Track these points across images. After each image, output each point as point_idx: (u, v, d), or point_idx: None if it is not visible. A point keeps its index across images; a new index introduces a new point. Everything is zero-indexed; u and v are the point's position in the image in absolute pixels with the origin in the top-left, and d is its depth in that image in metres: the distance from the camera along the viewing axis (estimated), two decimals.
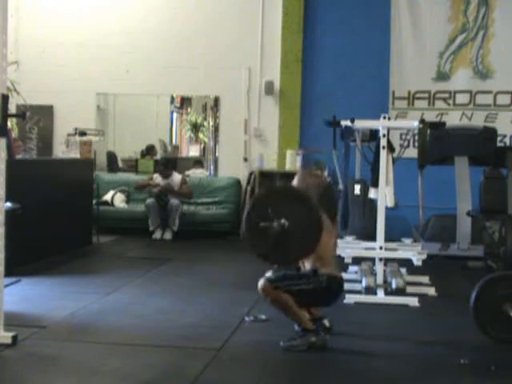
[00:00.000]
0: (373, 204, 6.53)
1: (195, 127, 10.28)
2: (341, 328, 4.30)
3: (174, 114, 10.37)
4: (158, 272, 6.37)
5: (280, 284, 3.91)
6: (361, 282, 5.53)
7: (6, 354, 3.68)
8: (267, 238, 3.82)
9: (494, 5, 8.78)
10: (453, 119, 8.66)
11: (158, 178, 8.72)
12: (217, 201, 9.09)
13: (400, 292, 5.32)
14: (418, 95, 8.97)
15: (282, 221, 3.79)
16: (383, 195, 5.53)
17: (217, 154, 9.65)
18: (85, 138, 8.56)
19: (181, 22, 9.36)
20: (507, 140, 8.72)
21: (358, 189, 7.55)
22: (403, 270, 5.97)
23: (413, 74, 8.94)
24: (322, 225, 3.83)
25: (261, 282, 3.97)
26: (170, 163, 8.81)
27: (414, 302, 5.17)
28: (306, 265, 4.03)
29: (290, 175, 8.84)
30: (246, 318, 4.58)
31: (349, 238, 6.61)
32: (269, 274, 4.00)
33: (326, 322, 4.20)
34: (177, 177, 8.72)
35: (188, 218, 8.54)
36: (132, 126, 10.05)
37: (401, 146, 8.13)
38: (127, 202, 9.06)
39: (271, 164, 9.21)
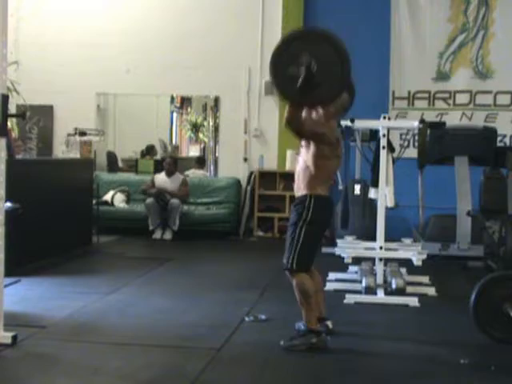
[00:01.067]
0: (373, 204, 6.53)
1: (195, 127, 10.29)
2: (341, 328, 4.30)
3: (174, 114, 10.38)
4: (158, 272, 6.37)
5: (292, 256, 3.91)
6: (361, 282, 5.53)
7: (6, 354, 3.68)
8: (295, 82, 3.69)
9: (493, 5, 8.78)
10: (453, 119, 8.66)
11: (158, 178, 8.72)
12: (217, 201, 9.09)
13: (400, 292, 5.33)
14: (418, 95, 8.97)
15: (312, 63, 3.67)
16: (383, 195, 5.53)
17: (217, 154, 9.65)
18: (85, 138, 8.57)
19: (181, 22, 9.36)
20: (507, 140, 8.72)
21: (357, 189, 7.57)
22: (403, 270, 5.97)
23: (413, 74, 8.95)
24: (350, 71, 3.77)
25: (283, 265, 4.01)
26: (177, 162, 8.85)
27: (414, 301, 5.17)
28: (301, 186, 4.01)
29: (290, 175, 8.93)
30: (246, 318, 4.58)
31: (349, 238, 6.61)
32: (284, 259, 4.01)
33: (330, 324, 4.21)
34: (179, 177, 8.73)
35: (188, 218, 8.55)
36: (132, 126, 10.05)
37: (401, 146, 8.15)
38: (127, 201, 9.06)
39: (271, 164, 9.22)
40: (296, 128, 3.92)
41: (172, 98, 10.07)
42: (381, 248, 5.48)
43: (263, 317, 4.59)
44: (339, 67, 3.77)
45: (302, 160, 4.05)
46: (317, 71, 3.69)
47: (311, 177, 3.97)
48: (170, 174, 8.66)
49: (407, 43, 8.93)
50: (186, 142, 10.67)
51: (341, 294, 5.33)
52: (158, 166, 9.25)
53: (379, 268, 5.49)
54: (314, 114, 3.98)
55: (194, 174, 9.62)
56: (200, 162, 9.87)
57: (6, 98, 3.78)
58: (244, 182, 9.23)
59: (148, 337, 4.15)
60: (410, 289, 5.48)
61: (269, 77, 3.91)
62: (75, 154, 8.38)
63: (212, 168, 9.74)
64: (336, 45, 3.80)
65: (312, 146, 3.95)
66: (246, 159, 9.32)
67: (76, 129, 8.62)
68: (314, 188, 3.97)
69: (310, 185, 3.97)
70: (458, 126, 7.93)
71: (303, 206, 3.96)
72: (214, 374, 3.50)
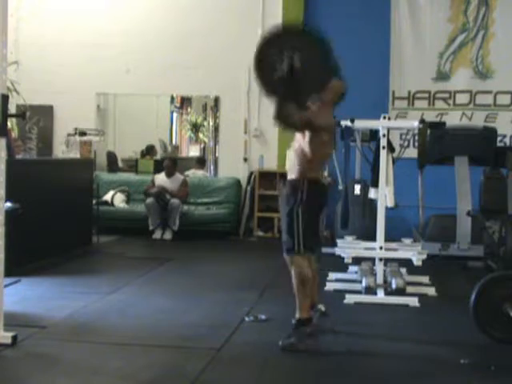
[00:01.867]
0: (373, 204, 6.53)
1: (195, 127, 10.28)
2: (341, 328, 4.30)
3: (174, 114, 10.38)
4: (158, 272, 6.37)
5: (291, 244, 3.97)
6: (361, 281, 5.52)
7: (6, 354, 3.68)
8: (278, 80, 3.78)
9: (493, 5, 8.78)
10: (453, 119, 8.66)
11: (158, 179, 8.72)
12: (217, 201, 9.09)
13: (400, 292, 5.33)
14: (418, 95, 8.97)
15: (294, 58, 3.74)
16: (383, 195, 5.53)
17: (217, 154, 9.65)
18: (85, 138, 8.57)
19: (181, 22, 9.36)
20: (507, 140, 8.72)
21: (358, 189, 7.56)
22: (403, 270, 5.96)
23: (413, 74, 8.95)
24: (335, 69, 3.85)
25: (284, 250, 4.07)
26: (176, 162, 8.85)
27: (414, 301, 5.17)
28: (293, 169, 4.07)
29: None
30: (246, 318, 4.58)
31: (349, 238, 6.61)
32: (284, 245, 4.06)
33: (322, 307, 4.26)
34: (178, 177, 8.73)
35: (188, 218, 8.54)
36: (132, 126, 10.05)
37: (401, 145, 8.14)
38: (127, 202, 9.06)
39: (271, 164, 9.22)
40: (306, 125, 3.96)
41: (172, 98, 10.07)
42: (381, 248, 5.48)
43: (263, 317, 4.59)
44: (321, 57, 3.81)
45: (297, 144, 4.10)
46: (300, 65, 3.74)
47: (307, 161, 4.02)
48: (169, 175, 8.67)
49: (407, 43, 8.93)
50: (186, 142, 10.67)
51: (341, 294, 5.33)
52: (158, 166, 9.25)
53: (379, 268, 5.48)
54: (313, 107, 3.99)
55: (194, 174, 9.62)
56: (200, 162, 9.87)
57: (6, 97, 3.78)
58: (244, 182, 9.23)
59: (148, 337, 4.15)
60: (410, 289, 5.48)
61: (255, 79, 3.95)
62: (75, 154, 8.38)
63: (212, 168, 9.74)
64: (315, 36, 3.84)
65: (310, 133, 3.98)
66: (245, 159, 9.32)
67: (76, 129, 8.62)
68: (307, 172, 4.03)
69: (304, 169, 4.03)
70: (458, 126, 7.93)
71: (296, 189, 4.01)
72: (214, 374, 3.50)
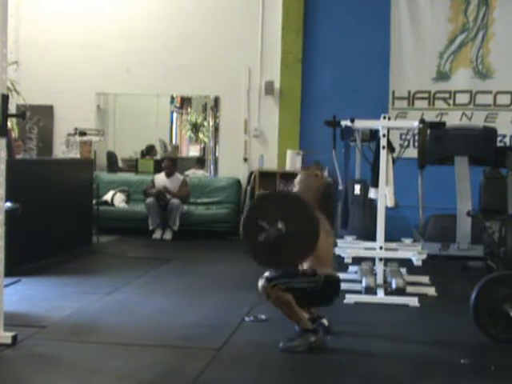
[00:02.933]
0: (373, 204, 6.53)
1: (195, 127, 10.29)
2: (341, 328, 4.30)
3: (174, 114, 10.38)
4: (158, 272, 6.37)
5: (279, 282, 3.91)
6: (361, 281, 5.52)
7: (6, 354, 3.68)
8: (266, 247, 3.84)
9: (493, 5, 8.78)
10: (453, 119, 8.66)
11: (158, 178, 8.72)
12: (217, 201, 9.09)
13: (400, 292, 5.32)
14: (418, 95, 8.97)
15: (280, 226, 3.82)
16: (383, 195, 5.53)
17: (217, 154, 9.65)
18: (85, 138, 8.56)
19: (181, 22, 9.36)
20: (507, 140, 8.72)
21: (358, 189, 7.56)
22: (403, 270, 5.97)
23: (413, 74, 8.95)
24: (319, 231, 3.84)
25: (261, 282, 3.97)
26: (176, 163, 8.84)
27: (414, 301, 5.17)
28: (305, 265, 4.04)
29: (290, 175, 8.94)
30: (246, 318, 4.58)
31: (349, 238, 6.61)
32: (267, 273, 3.99)
33: (325, 321, 4.21)
34: (178, 177, 8.73)
35: (188, 217, 8.54)
36: (132, 125, 10.05)
37: (401, 145, 8.12)
38: (127, 202, 9.06)
39: (271, 164, 9.22)
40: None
41: (172, 98, 10.07)
42: (381, 248, 5.48)
43: (263, 317, 4.59)
44: (308, 226, 3.86)
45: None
46: (285, 232, 3.83)
47: (314, 260, 3.97)
48: (169, 175, 8.66)
49: (407, 43, 8.93)
50: (186, 142, 10.67)
51: (341, 293, 5.30)
52: (158, 166, 9.25)
53: (379, 268, 5.48)
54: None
55: (194, 173, 9.63)
56: (200, 162, 9.88)
57: (6, 97, 3.78)
58: (244, 182, 9.23)
59: (148, 337, 4.15)
60: (410, 289, 5.48)
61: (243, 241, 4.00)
62: (75, 154, 8.38)
63: (212, 168, 9.74)
64: (304, 206, 3.90)
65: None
66: (246, 159, 9.32)
67: (76, 129, 8.61)
68: (321, 268, 3.98)
69: (317, 266, 3.98)
70: (458, 126, 7.93)
71: (314, 282, 3.94)
72: (214, 374, 3.50)
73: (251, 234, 3.90)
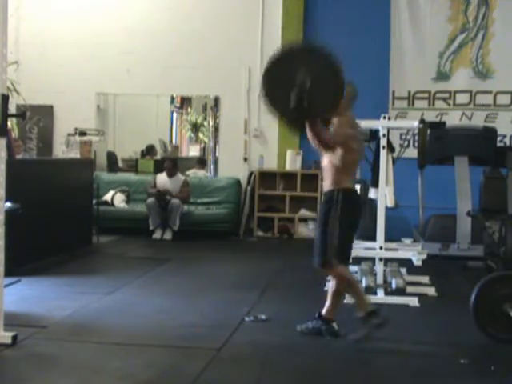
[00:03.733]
0: (373, 204, 6.53)
1: (195, 127, 10.28)
2: (340, 328, 4.30)
3: (174, 114, 10.38)
4: (158, 272, 6.37)
5: (323, 257, 4.03)
6: (361, 281, 5.52)
7: (6, 354, 3.68)
8: (288, 99, 3.73)
9: (493, 5, 8.78)
10: (453, 119, 8.66)
11: (160, 178, 8.72)
12: (217, 201, 9.09)
13: (400, 292, 5.32)
14: (418, 95, 8.97)
15: (305, 80, 3.73)
16: (383, 195, 5.53)
17: (217, 154, 9.65)
18: (85, 138, 8.57)
19: (181, 22, 9.36)
20: (507, 140, 8.73)
21: (358, 189, 7.55)
22: (403, 270, 5.97)
23: (413, 73, 8.95)
24: (343, 88, 3.88)
25: (316, 262, 4.10)
26: (177, 163, 8.85)
27: (414, 301, 5.17)
28: (327, 181, 4.13)
29: (290, 175, 8.95)
30: (246, 318, 4.58)
31: None
32: (313, 261, 4.12)
33: (335, 326, 4.25)
34: (180, 178, 8.73)
35: (188, 217, 8.54)
36: (132, 125, 10.05)
37: (401, 145, 8.14)
38: (127, 202, 9.07)
39: (271, 164, 9.22)
40: (332, 143, 4.00)
41: (172, 98, 10.06)
42: (381, 248, 5.48)
43: (263, 317, 4.59)
44: (332, 78, 3.85)
45: (326, 158, 4.15)
46: (310, 86, 3.73)
47: (338, 172, 4.07)
48: (170, 176, 8.67)
49: (407, 43, 8.94)
50: (186, 142, 10.67)
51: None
52: (158, 166, 9.25)
53: (379, 268, 5.49)
54: (334, 122, 4.09)
55: (195, 174, 9.63)
56: (201, 162, 9.88)
57: (6, 97, 3.78)
58: (244, 182, 9.24)
59: (148, 337, 4.15)
60: (410, 289, 5.48)
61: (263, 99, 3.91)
62: (75, 154, 8.39)
63: (212, 168, 9.74)
64: (327, 56, 3.89)
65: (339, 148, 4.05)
66: (246, 159, 9.32)
67: (76, 129, 8.63)
68: (340, 182, 4.08)
69: (337, 180, 4.08)
70: (458, 126, 7.94)
71: (331, 201, 4.05)
72: (214, 374, 3.50)
73: (276, 91, 3.81)
